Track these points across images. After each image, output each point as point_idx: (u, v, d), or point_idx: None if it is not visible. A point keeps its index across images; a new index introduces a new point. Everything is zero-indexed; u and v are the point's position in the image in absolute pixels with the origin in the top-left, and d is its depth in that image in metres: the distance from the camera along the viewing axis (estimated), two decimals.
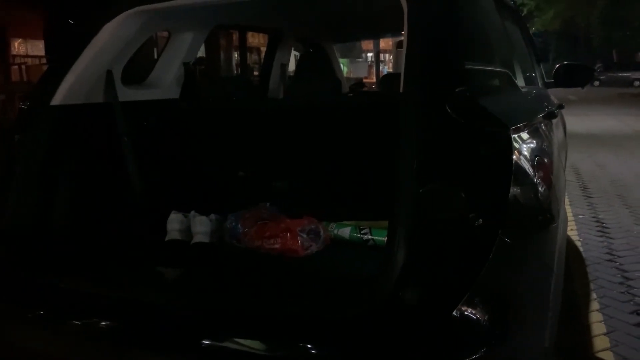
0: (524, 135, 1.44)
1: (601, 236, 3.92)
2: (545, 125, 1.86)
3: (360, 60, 22.90)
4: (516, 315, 1.23)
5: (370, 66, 23.29)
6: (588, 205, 4.79)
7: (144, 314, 1.35)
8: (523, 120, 1.48)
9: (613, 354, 2.33)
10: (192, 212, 1.93)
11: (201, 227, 1.87)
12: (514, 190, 1.23)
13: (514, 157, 1.26)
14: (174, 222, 1.90)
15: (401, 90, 1.30)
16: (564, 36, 30.47)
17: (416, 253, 1.18)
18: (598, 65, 28.40)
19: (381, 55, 21.24)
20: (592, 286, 3.02)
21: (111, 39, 1.83)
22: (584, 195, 5.15)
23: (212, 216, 1.94)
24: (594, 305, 2.79)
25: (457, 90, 1.28)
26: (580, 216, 4.40)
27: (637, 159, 7.09)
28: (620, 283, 3.05)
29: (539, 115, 1.80)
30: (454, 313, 1.12)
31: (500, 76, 1.62)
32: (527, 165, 1.35)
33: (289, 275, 1.55)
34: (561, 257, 1.58)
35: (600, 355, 2.34)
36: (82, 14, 1.47)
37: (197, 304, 1.34)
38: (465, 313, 1.12)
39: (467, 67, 1.36)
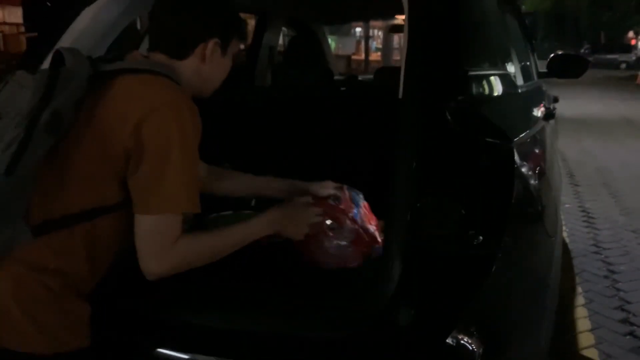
0: (526, 145, 1.39)
1: (587, 227, 3.93)
2: (544, 129, 1.81)
3: (348, 36, 22.55)
4: (512, 336, 1.20)
5: (358, 42, 22.97)
6: (574, 194, 4.81)
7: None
8: (525, 128, 1.43)
9: (598, 352, 2.34)
10: None
11: None
12: (515, 204, 1.17)
13: (516, 169, 1.20)
14: None
15: (400, 96, 1.22)
16: (552, 16, 30.38)
17: (411, 271, 1.12)
18: (586, 46, 28.45)
19: (370, 31, 20.94)
20: (577, 280, 3.03)
21: (91, 23, 1.72)
22: (570, 184, 5.16)
23: None
24: (580, 300, 2.80)
25: (459, 98, 1.21)
26: (567, 205, 4.38)
27: (623, 146, 7.14)
28: (606, 277, 3.06)
29: (540, 120, 1.75)
30: (448, 340, 1.07)
31: (502, 79, 1.55)
32: (528, 177, 1.29)
33: (274, 287, 1.46)
34: (557, 269, 1.55)
35: (585, 352, 2.34)
36: None
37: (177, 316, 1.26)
38: (460, 340, 1.07)
39: (469, 72, 1.29)
